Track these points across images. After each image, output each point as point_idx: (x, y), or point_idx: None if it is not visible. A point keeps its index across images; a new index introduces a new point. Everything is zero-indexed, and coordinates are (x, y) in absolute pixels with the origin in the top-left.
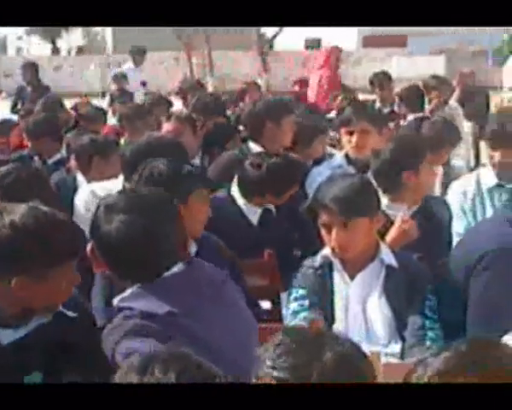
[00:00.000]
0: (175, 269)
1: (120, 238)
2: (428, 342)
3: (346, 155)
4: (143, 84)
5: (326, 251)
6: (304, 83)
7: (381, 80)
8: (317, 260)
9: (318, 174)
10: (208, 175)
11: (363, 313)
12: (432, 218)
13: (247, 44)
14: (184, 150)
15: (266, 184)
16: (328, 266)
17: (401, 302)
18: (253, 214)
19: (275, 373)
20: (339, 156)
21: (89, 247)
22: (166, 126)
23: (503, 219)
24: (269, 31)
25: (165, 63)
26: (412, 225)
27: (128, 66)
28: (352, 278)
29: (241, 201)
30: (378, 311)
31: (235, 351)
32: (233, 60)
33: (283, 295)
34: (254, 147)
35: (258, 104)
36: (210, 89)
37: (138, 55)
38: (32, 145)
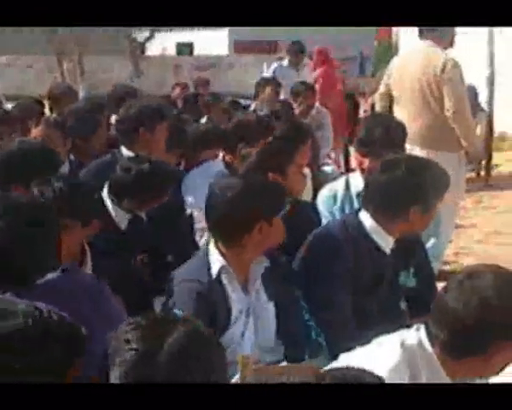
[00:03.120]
0: (49, 276)
1: None
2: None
3: (224, 160)
4: None
5: (221, 262)
6: (184, 86)
7: (266, 84)
8: (213, 273)
9: (194, 180)
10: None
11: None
12: (299, 220)
13: (118, 49)
14: (56, 157)
15: (133, 189)
16: (218, 282)
17: (280, 302)
18: (122, 220)
19: (126, 347)
20: (217, 161)
21: None
22: (35, 132)
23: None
24: (140, 35)
25: (34, 67)
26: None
27: (281, 63)
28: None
29: (110, 206)
30: (269, 315)
31: None
32: (105, 64)
33: (156, 301)
34: (127, 152)
35: (131, 109)
36: (81, 94)
37: (296, 55)
38: None
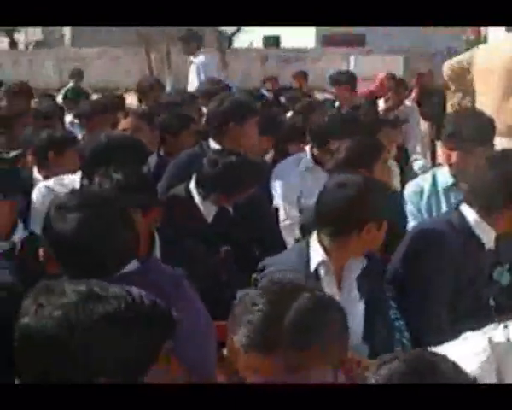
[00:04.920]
0: (129, 267)
1: (73, 237)
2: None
3: (313, 155)
4: None
5: (322, 256)
6: (275, 81)
7: (344, 79)
8: (311, 266)
9: (282, 174)
10: (168, 171)
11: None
12: None
13: (205, 41)
14: (143, 148)
15: (220, 182)
16: (315, 275)
17: (371, 302)
18: (209, 212)
19: (253, 308)
20: (306, 156)
21: (41, 249)
22: (123, 123)
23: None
24: (227, 28)
25: (122, 59)
26: None
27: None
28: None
29: (197, 198)
30: (358, 314)
31: (193, 349)
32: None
33: (240, 294)
34: (214, 145)
35: (223, 102)
36: (168, 87)
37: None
38: None
